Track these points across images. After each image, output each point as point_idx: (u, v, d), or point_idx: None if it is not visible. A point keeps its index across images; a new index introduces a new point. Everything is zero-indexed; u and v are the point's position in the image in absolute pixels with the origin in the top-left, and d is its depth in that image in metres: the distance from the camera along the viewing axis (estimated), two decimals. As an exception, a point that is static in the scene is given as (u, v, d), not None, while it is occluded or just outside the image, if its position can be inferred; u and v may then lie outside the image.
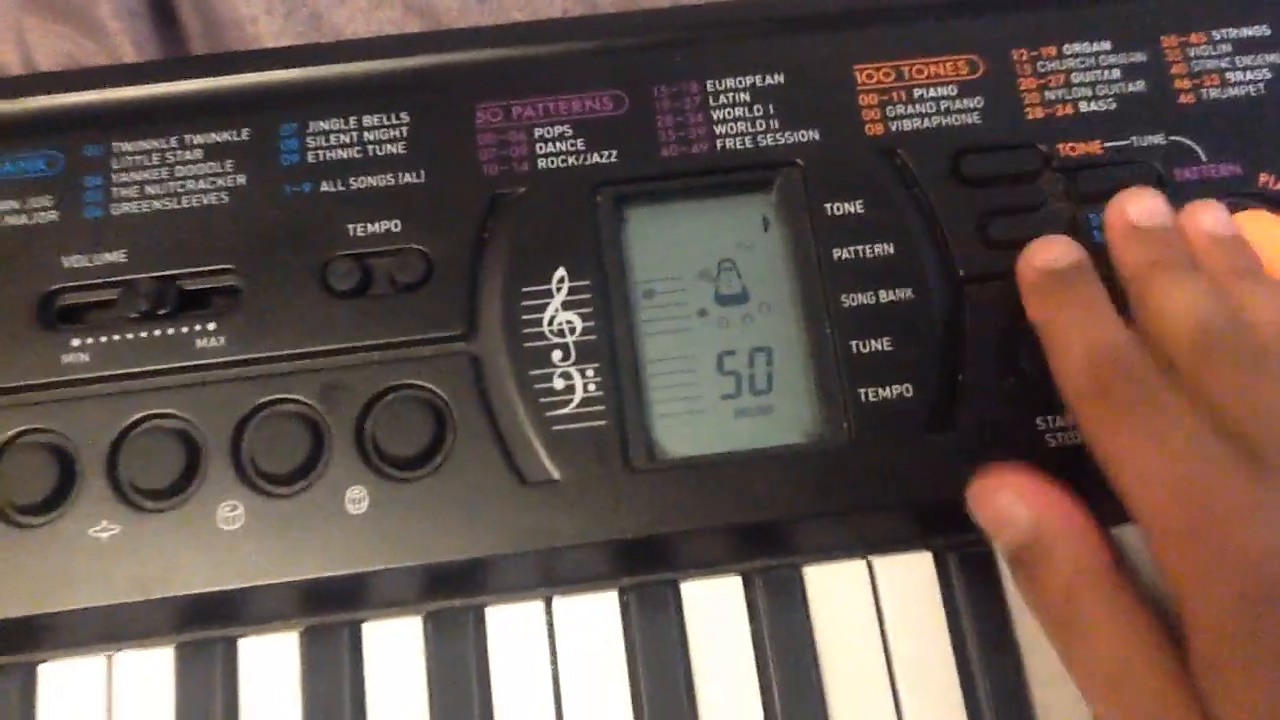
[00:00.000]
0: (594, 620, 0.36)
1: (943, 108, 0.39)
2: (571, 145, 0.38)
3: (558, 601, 0.36)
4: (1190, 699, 0.28)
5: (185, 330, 0.36)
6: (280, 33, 0.44)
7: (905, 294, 0.37)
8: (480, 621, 0.36)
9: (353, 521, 0.35)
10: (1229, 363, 0.30)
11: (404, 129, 0.38)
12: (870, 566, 0.37)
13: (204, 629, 0.36)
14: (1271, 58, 0.39)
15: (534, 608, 0.36)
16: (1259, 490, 0.28)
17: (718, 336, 0.37)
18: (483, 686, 0.35)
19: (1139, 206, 0.34)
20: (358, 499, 0.35)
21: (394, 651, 0.36)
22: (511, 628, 0.36)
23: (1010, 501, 0.32)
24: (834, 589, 0.36)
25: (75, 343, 0.36)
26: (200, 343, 0.36)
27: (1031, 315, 0.34)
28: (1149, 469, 0.29)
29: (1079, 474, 0.34)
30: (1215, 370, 0.30)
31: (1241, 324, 0.31)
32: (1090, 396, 0.31)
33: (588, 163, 0.38)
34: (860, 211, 0.38)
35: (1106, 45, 0.40)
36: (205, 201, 0.38)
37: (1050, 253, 0.35)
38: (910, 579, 0.36)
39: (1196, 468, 0.28)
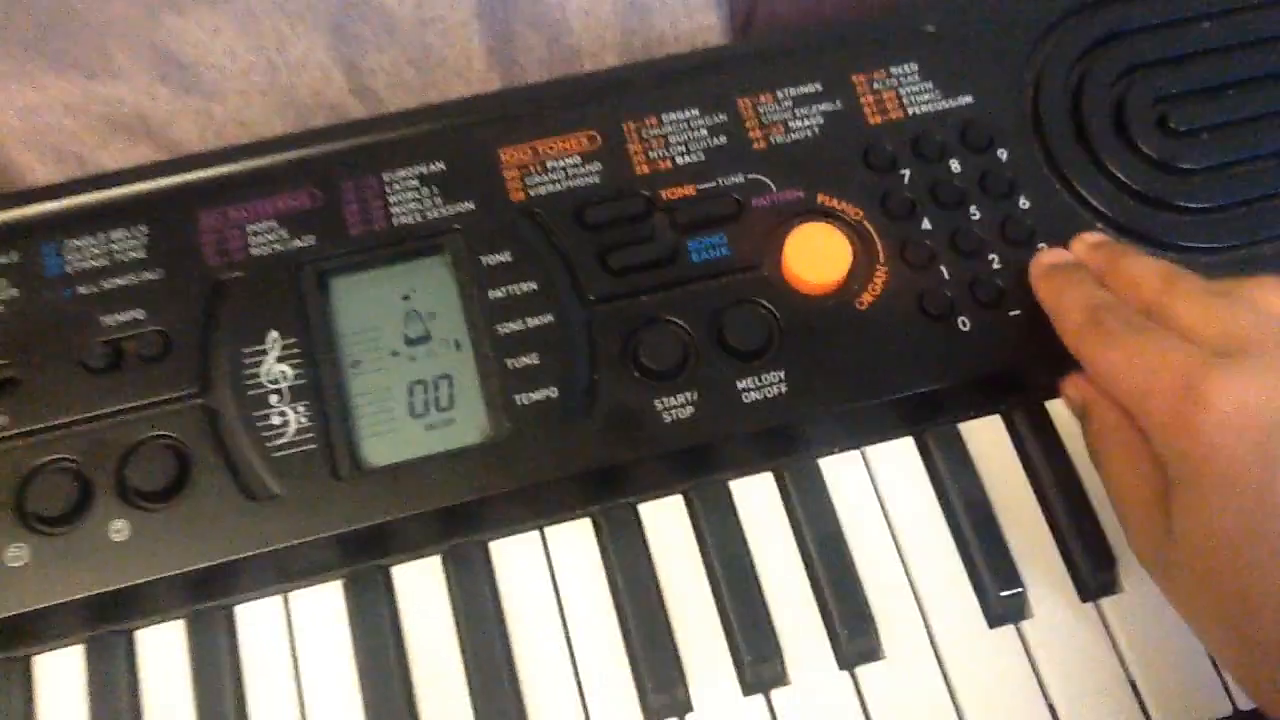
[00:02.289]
0: (322, 608, 0.45)
1: (570, 174, 0.49)
2: (278, 235, 0.48)
3: (293, 595, 0.45)
4: (1163, 516, 0.39)
5: (-28, 416, 0.45)
6: (53, 176, 0.54)
7: (547, 318, 0.47)
8: (230, 621, 0.45)
9: (117, 548, 0.43)
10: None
11: (144, 238, 0.48)
12: (543, 534, 0.46)
13: (1, 651, 0.44)
14: (822, 107, 0.51)
15: (274, 603, 0.45)
16: (1222, 365, 0.38)
17: (408, 370, 0.47)
18: (235, 680, 0.44)
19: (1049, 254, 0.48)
20: (120, 529, 0.44)
21: (161, 654, 0.44)
22: (257, 624, 0.44)
23: (1071, 391, 0.45)
24: (514, 558, 0.45)
25: (-117, 439, 0.45)
26: (-14, 424, 0.45)
27: (1041, 296, 0.46)
28: (1138, 365, 0.40)
29: (691, 442, 0.45)
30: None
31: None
32: (1088, 332, 0.42)
33: (291, 247, 0.48)
34: (509, 260, 0.48)
35: (695, 111, 0.50)
36: (-16, 313, 0.47)
37: (1052, 255, 0.48)
38: (574, 542, 0.46)
39: (1173, 356, 0.39)
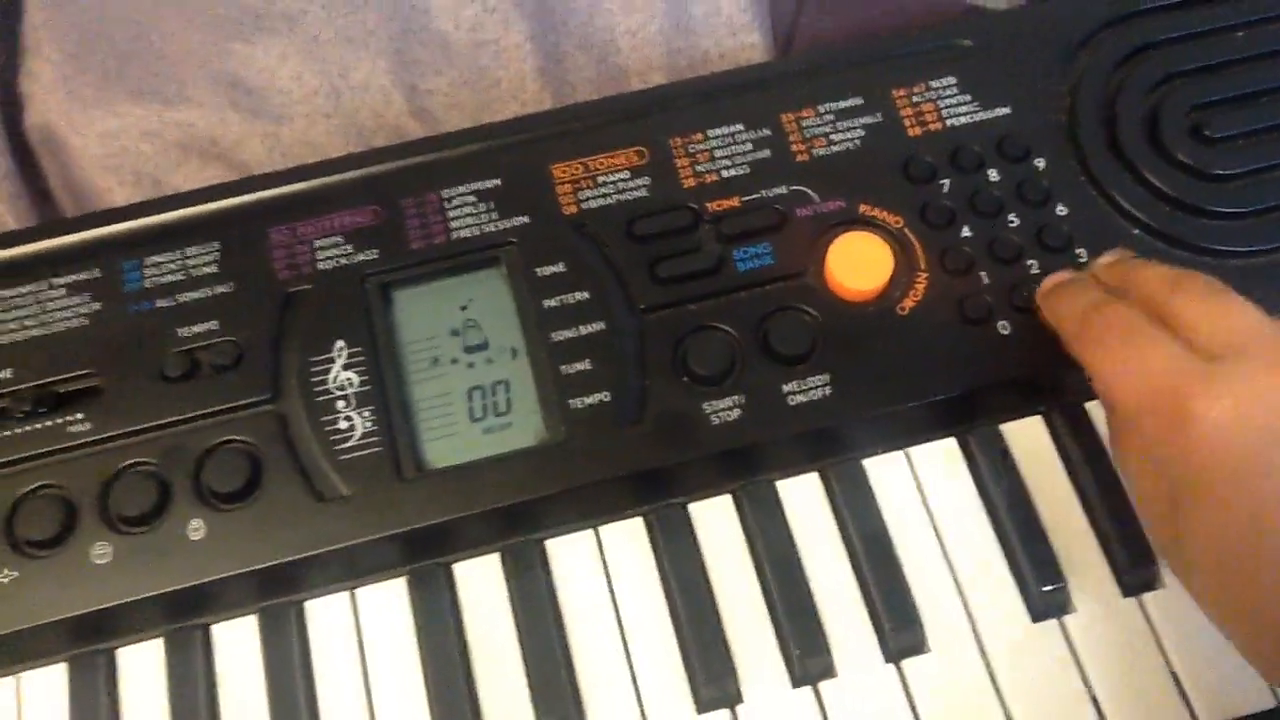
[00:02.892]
0: (388, 604, 0.47)
1: (620, 188, 0.51)
2: (343, 249, 0.50)
3: (360, 591, 0.47)
4: (1175, 519, 0.39)
5: (60, 421, 0.48)
6: (130, 197, 0.57)
7: (599, 326, 0.49)
8: (301, 616, 0.47)
9: (194, 545, 0.46)
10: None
11: (217, 254, 0.51)
12: (597, 533, 0.48)
13: (88, 645, 0.46)
14: (863, 120, 0.52)
15: (342, 598, 0.47)
16: (1210, 374, 0.38)
17: (468, 376, 0.49)
18: (305, 671, 0.46)
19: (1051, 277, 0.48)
20: (197, 528, 0.46)
21: (237, 648, 0.46)
22: (326, 619, 0.47)
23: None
24: (570, 556, 0.47)
25: (-25, 441, 0.48)
26: (72, 429, 0.48)
27: (1045, 317, 0.47)
28: (1130, 378, 0.40)
29: (739, 444, 0.47)
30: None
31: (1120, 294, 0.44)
32: (1080, 339, 0.43)
33: (356, 260, 0.50)
34: (563, 270, 0.50)
35: (739, 126, 0.52)
36: (69, 325, 0.50)
37: (1057, 276, 0.47)
38: (627, 541, 0.47)
39: (1162, 368, 0.39)
